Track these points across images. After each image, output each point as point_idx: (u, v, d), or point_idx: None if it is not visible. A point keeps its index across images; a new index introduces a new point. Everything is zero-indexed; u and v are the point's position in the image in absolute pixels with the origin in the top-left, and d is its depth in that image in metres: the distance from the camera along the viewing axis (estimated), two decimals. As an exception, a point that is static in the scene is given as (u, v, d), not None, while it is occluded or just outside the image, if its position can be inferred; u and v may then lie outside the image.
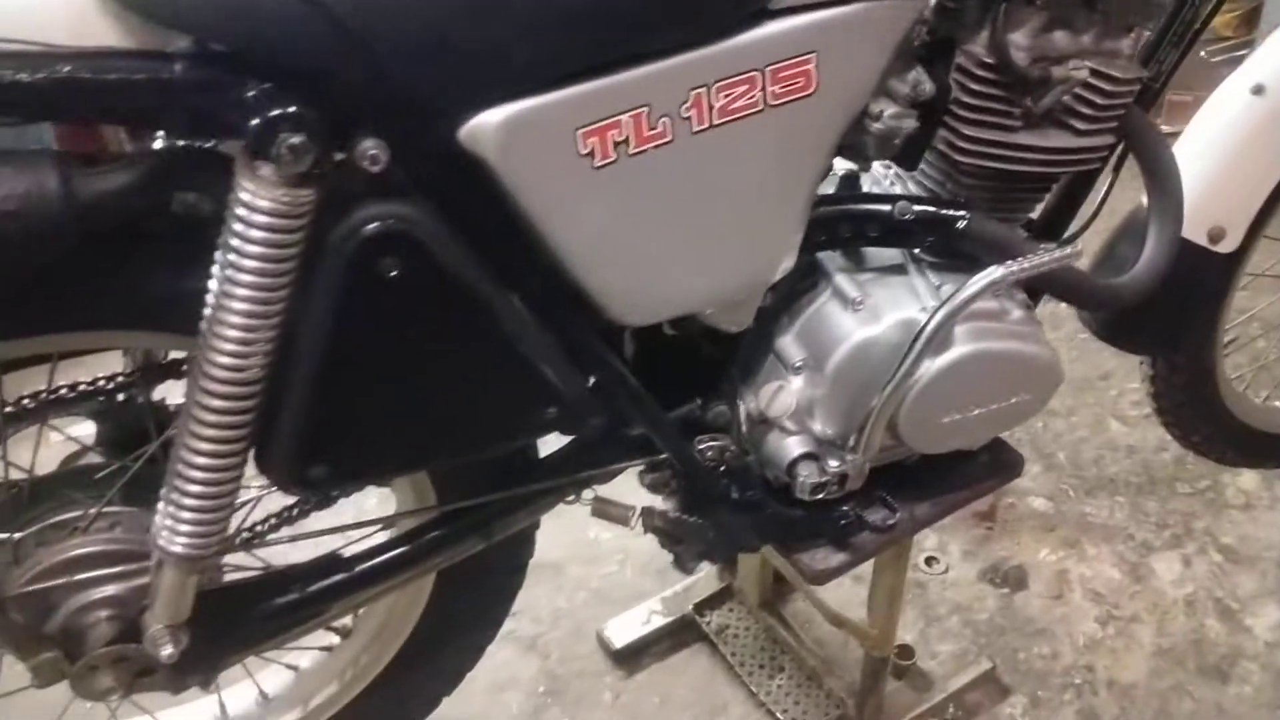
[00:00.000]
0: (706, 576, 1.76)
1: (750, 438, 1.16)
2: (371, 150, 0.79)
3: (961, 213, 1.08)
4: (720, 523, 1.16)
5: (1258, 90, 1.38)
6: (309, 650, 1.31)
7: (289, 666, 1.32)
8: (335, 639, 1.30)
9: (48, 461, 1.09)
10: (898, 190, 1.18)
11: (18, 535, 1.02)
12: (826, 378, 1.10)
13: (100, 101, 0.74)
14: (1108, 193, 1.23)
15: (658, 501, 1.18)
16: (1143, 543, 1.86)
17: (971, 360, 1.09)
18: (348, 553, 1.08)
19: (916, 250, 1.13)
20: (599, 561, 1.85)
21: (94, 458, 1.09)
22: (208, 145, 0.81)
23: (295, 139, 0.75)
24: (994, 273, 1.05)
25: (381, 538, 1.10)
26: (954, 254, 1.13)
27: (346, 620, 1.27)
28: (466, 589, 1.24)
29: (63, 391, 1.06)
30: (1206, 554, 1.84)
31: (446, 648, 1.30)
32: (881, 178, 1.22)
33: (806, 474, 1.13)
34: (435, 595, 1.23)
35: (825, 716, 1.58)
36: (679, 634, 1.72)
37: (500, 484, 1.11)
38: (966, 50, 1.03)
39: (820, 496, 1.14)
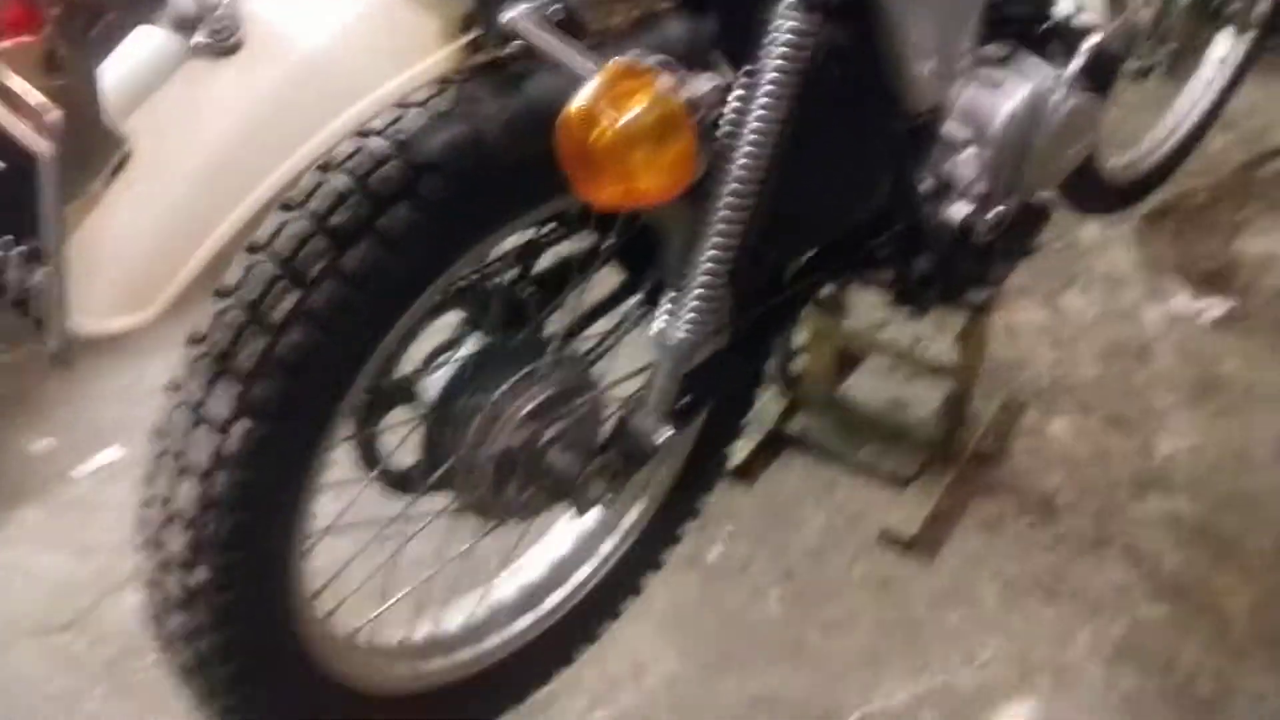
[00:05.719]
0: (771, 399, 2.10)
1: (927, 209, 1.53)
2: (833, -26, 1.08)
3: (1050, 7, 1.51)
4: (946, 273, 1.52)
5: None
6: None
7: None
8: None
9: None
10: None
11: (495, 395, 1.20)
12: (991, 142, 1.48)
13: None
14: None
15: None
16: (1047, 291, 2.41)
17: (1082, 105, 1.52)
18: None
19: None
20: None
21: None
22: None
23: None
24: (1096, 37, 1.49)
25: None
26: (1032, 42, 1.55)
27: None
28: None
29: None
30: (1093, 284, 2.42)
31: (715, 448, 1.57)
32: None
33: (984, 220, 1.51)
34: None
35: (917, 460, 1.99)
36: (771, 446, 2.05)
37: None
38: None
39: (992, 237, 1.53)
